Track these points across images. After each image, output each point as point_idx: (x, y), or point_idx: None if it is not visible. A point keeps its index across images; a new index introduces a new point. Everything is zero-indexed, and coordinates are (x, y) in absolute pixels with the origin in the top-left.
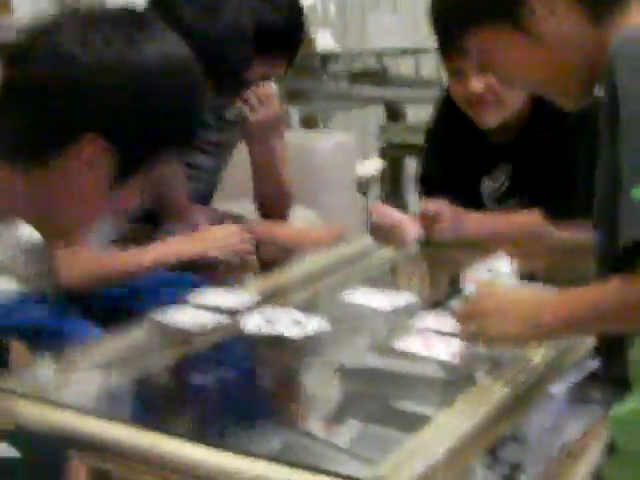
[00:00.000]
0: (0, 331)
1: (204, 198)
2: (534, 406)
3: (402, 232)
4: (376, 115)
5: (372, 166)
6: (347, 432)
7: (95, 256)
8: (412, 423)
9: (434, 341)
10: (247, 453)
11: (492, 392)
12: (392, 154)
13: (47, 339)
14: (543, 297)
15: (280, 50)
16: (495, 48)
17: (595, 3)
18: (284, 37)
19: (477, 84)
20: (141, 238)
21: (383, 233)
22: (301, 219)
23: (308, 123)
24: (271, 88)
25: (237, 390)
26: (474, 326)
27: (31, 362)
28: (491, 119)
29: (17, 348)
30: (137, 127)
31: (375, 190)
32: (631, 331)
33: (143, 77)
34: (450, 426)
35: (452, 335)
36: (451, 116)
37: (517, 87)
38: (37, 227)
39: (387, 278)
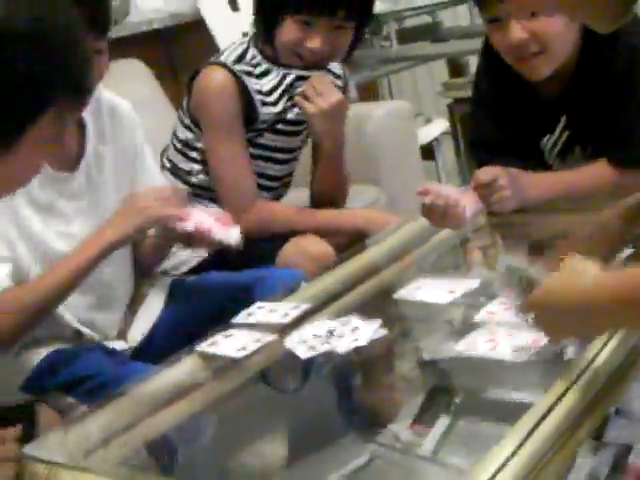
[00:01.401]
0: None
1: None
2: (636, 377)
3: (458, 211)
4: (438, 72)
5: (437, 128)
6: (437, 432)
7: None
8: (506, 412)
9: (499, 336)
10: None
11: (587, 369)
12: (460, 110)
13: (98, 388)
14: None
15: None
16: None
17: None
18: None
19: (519, 33)
20: None
21: (437, 214)
22: (364, 199)
23: (368, 92)
24: (326, 78)
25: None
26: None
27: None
28: (540, 70)
29: (45, 410)
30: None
31: (447, 152)
32: None
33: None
34: (550, 412)
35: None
36: (496, 70)
37: (551, 14)
38: None
39: (450, 262)
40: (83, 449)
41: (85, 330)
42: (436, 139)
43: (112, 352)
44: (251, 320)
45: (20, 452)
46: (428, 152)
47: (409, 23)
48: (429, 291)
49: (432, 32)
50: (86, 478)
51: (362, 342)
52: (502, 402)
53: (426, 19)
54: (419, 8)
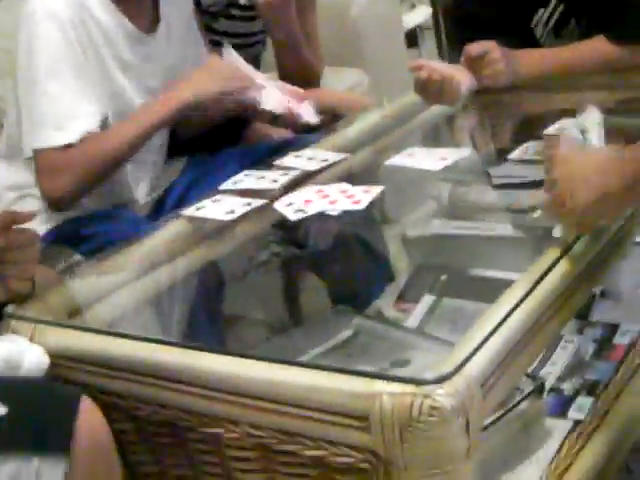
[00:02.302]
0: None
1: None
2: (623, 259)
3: (453, 86)
4: None
5: (420, 15)
6: (421, 310)
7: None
8: (492, 290)
9: None
10: None
11: (572, 248)
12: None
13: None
14: (609, 161)
15: None
16: None
17: None
18: None
19: None
20: None
21: (432, 90)
22: (347, 81)
23: None
24: None
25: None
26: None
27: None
28: None
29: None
30: None
31: (430, 40)
32: None
33: None
34: (534, 289)
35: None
36: None
37: None
38: None
39: (441, 135)
40: (69, 308)
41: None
42: (419, 26)
43: (131, 217)
44: (239, 186)
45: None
46: (412, 39)
47: None
48: (421, 158)
49: None
50: (68, 335)
51: (362, 205)
52: (488, 279)
53: None
54: None
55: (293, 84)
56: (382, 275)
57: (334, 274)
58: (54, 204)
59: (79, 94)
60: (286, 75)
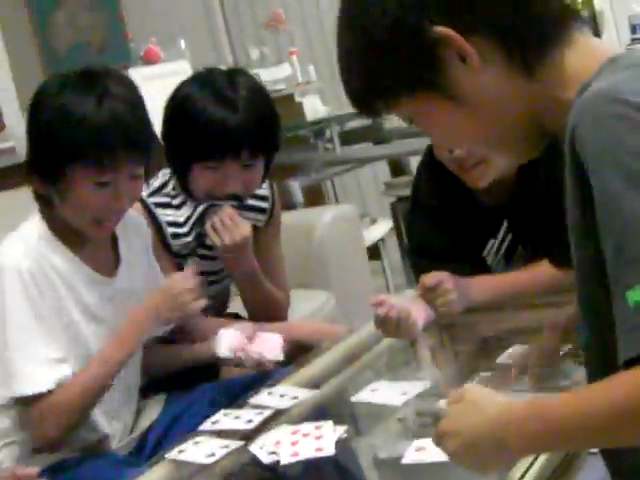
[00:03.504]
0: None
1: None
2: (578, 470)
3: (409, 324)
4: (385, 171)
5: (382, 228)
6: None
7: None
8: None
9: None
10: None
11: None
12: (404, 209)
13: None
14: (511, 413)
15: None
16: (423, 115)
17: (518, 53)
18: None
19: (457, 149)
20: None
21: (391, 327)
22: (313, 304)
23: (313, 195)
24: (233, 213)
25: None
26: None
27: None
28: (480, 179)
29: None
30: None
31: (393, 251)
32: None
33: None
34: None
35: None
36: (438, 179)
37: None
38: None
39: (401, 362)
40: None
41: (114, 427)
42: (382, 239)
43: (112, 457)
44: (217, 427)
45: None
46: (374, 252)
47: (350, 125)
48: (384, 393)
49: (373, 134)
50: None
51: (329, 451)
52: None
53: (367, 121)
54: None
55: (259, 318)
56: None
57: None
58: (46, 446)
59: (48, 343)
60: (251, 310)
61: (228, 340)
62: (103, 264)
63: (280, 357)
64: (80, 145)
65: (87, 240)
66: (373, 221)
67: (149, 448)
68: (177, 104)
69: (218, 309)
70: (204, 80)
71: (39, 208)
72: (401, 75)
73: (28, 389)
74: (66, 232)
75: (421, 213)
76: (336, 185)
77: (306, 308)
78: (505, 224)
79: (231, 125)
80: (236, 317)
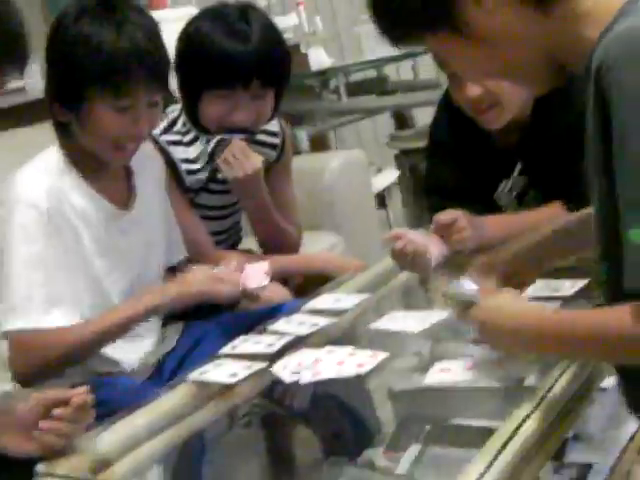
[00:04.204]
0: None
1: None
2: (590, 403)
3: (424, 259)
4: (386, 124)
5: (388, 177)
6: (409, 458)
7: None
8: (473, 438)
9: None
10: None
11: (546, 396)
12: (407, 161)
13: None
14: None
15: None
16: (445, 52)
17: None
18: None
19: (472, 89)
20: None
21: (407, 260)
22: (323, 245)
23: (318, 143)
24: (244, 146)
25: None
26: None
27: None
28: (494, 121)
29: None
30: None
31: (397, 201)
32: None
33: None
34: (513, 436)
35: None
36: (455, 121)
37: (481, 80)
38: None
39: (414, 300)
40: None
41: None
42: (387, 188)
43: (128, 382)
44: (237, 351)
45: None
46: (380, 200)
47: (356, 77)
48: (402, 321)
49: (378, 86)
50: None
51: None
52: (468, 429)
53: (372, 74)
54: (366, 63)
55: (270, 251)
56: (370, 428)
57: (325, 428)
58: (22, 380)
59: (60, 283)
60: (262, 242)
61: (256, 273)
62: (119, 196)
63: (264, 282)
64: (99, 69)
65: (104, 171)
66: (379, 170)
67: (167, 373)
68: (189, 35)
69: (231, 244)
70: (216, 13)
71: (58, 138)
72: (420, 16)
73: (20, 323)
74: (84, 162)
75: (438, 153)
76: (340, 136)
77: (316, 249)
78: (519, 166)
79: (242, 54)
80: (249, 253)
